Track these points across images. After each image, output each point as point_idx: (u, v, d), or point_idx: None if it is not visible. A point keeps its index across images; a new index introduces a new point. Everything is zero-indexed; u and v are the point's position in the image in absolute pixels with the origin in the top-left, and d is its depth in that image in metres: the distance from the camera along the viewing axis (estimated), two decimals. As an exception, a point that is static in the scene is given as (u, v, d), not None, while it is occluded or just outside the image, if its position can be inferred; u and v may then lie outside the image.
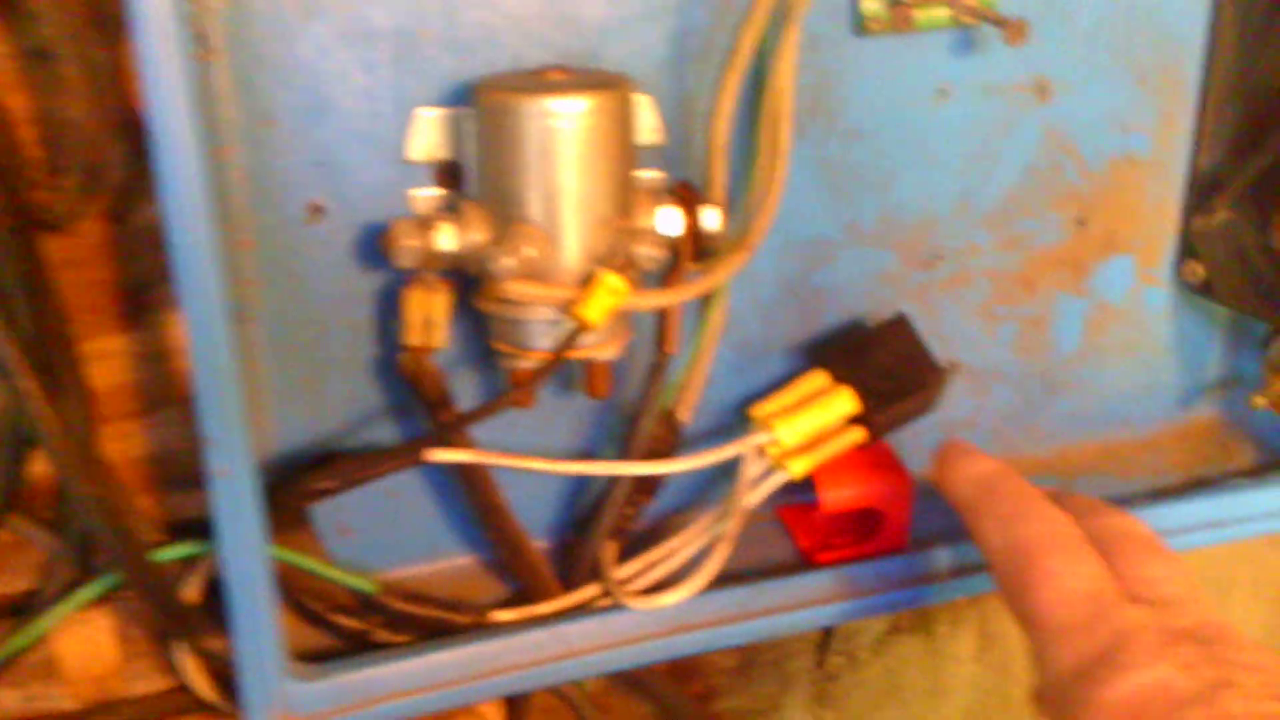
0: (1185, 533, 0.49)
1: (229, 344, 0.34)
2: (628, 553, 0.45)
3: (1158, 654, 0.30)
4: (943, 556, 0.46)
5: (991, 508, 0.37)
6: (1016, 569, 0.35)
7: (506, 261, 0.36)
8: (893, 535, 0.47)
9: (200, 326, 0.34)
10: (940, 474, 0.41)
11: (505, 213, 0.38)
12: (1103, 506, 0.38)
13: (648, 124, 0.41)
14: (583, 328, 0.37)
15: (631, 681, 0.50)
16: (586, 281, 0.38)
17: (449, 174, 0.40)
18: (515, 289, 0.37)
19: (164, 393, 0.40)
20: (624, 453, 0.44)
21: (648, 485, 0.45)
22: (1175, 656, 0.30)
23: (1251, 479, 0.51)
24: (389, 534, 0.44)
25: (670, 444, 0.45)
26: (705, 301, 0.44)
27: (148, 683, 0.43)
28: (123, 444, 0.40)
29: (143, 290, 0.39)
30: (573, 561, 0.45)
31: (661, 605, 0.43)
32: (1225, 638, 0.31)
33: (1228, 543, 0.52)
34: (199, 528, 0.39)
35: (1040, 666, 0.33)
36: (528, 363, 0.39)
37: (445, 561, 0.46)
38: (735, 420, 0.48)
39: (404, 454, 0.39)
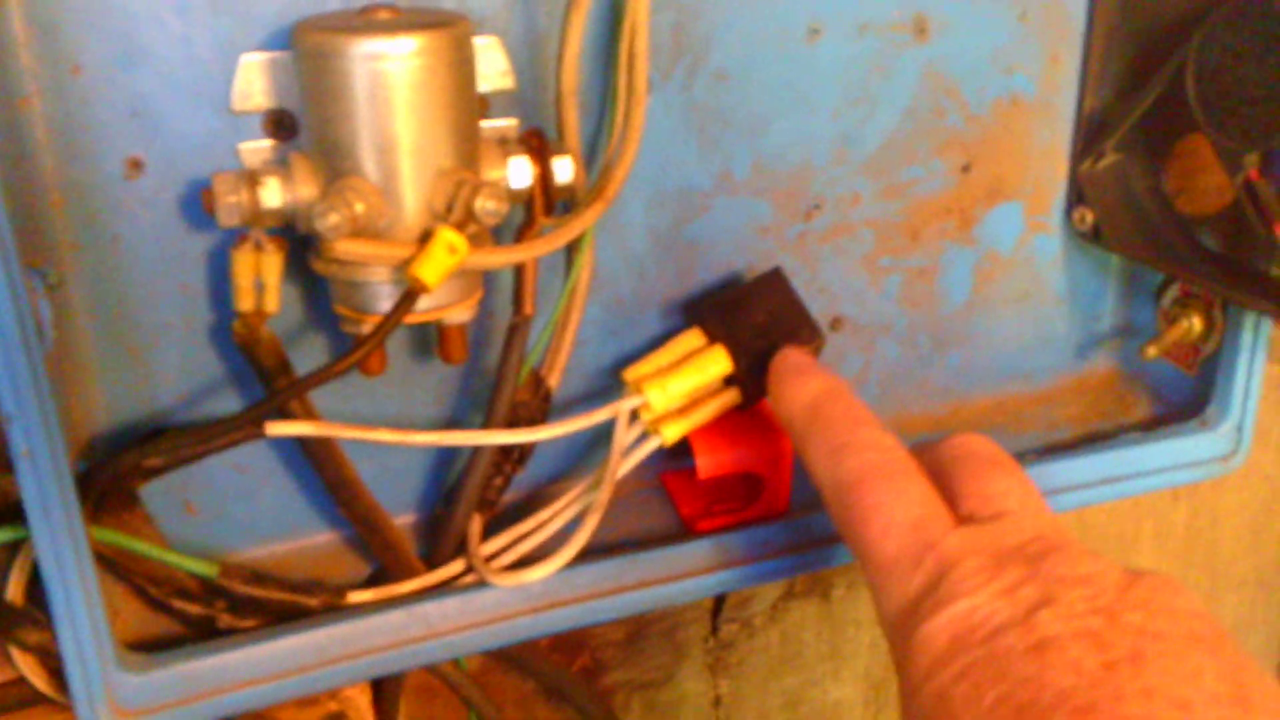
0: (1080, 489, 0.48)
1: (21, 313, 0.31)
2: (498, 527, 0.43)
3: (979, 582, 0.29)
4: (825, 521, 0.45)
5: (818, 438, 0.35)
6: (845, 504, 0.33)
7: (332, 218, 0.34)
8: (774, 500, 0.45)
9: (-12, 294, 0.31)
10: (771, 396, 0.39)
11: (335, 165, 0.35)
12: (951, 435, 0.36)
13: (495, 68, 0.39)
14: (419, 289, 0.35)
15: (510, 659, 0.49)
16: (425, 239, 0.35)
17: (280, 125, 0.37)
18: (345, 248, 0.34)
19: (-24, 368, 0.37)
20: (488, 422, 0.42)
21: (516, 455, 0.43)
22: (998, 581, 0.29)
23: (1146, 433, 0.50)
24: (240, 512, 0.42)
25: (539, 410, 0.43)
26: (570, 258, 0.42)
27: (-17, 676, 0.40)
28: (-70, 424, 0.37)
29: (-57, 257, 0.36)
30: (438, 537, 0.43)
31: (528, 581, 0.41)
32: (1057, 551, 0.30)
33: (1125, 498, 0.51)
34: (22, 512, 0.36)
35: (876, 606, 0.32)
36: (369, 327, 0.37)
37: (305, 540, 0.43)
38: (610, 384, 0.46)
39: (238, 427, 0.36)
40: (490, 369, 0.43)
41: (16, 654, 0.38)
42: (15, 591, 0.37)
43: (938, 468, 0.34)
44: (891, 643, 0.31)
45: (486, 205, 0.35)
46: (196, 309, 0.39)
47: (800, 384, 0.38)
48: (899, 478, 0.33)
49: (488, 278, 0.40)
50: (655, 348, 0.43)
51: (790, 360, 0.40)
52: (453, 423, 0.44)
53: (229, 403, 0.40)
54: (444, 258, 0.35)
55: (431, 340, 0.42)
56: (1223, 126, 0.43)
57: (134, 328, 0.38)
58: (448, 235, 0.35)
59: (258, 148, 0.37)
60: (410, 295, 0.35)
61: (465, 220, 0.35)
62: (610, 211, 0.41)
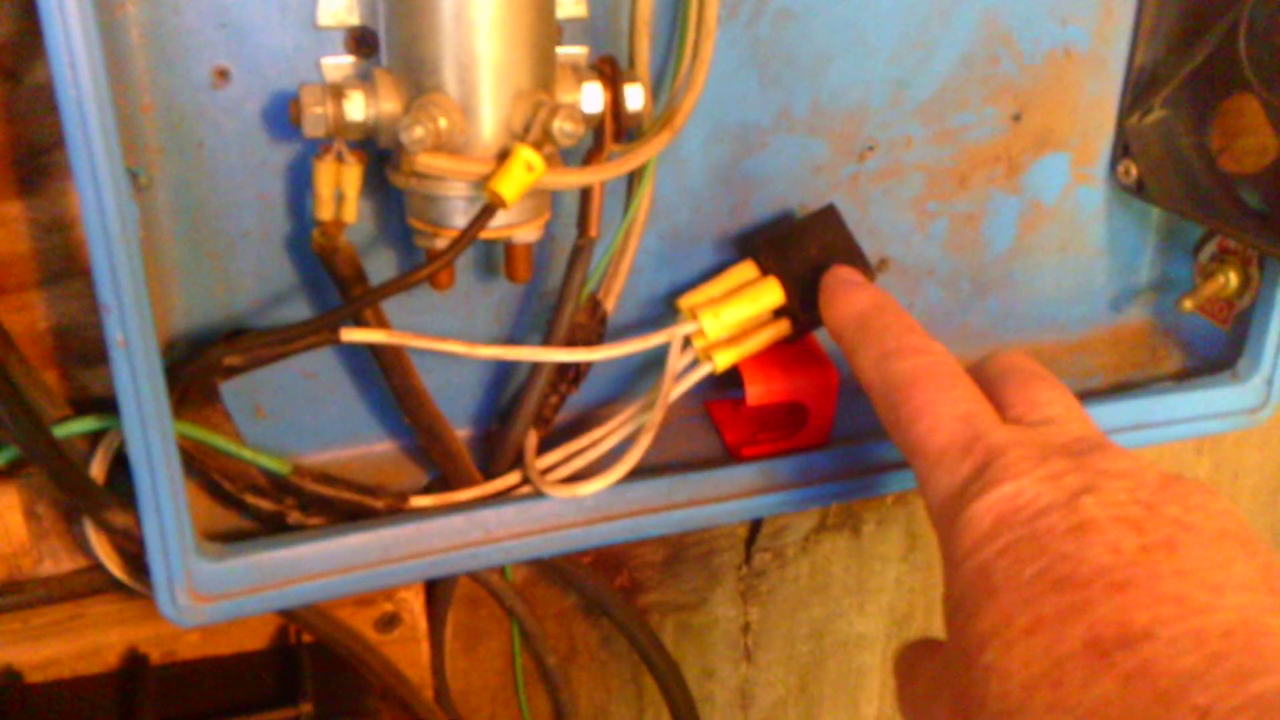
0: (1111, 434, 0.48)
1: (123, 207, 0.33)
2: (552, 444, 0.45)
3: (1026, 468, 0.31)
4: (866, 452, 0.46)
5: (869, 344, 0.37)
6: (894, 404, 0.34)
7: (417, 131, 0.35)
8: (817, 430, 0.46)
9: (91, 188, 0.32)
10: (822, 309, 0.41)
11: (418, 82, 0.36)
12: (996, 352, 0.38)
13: (571, -4, 0.40)
14: (497, 204, 0.36)
15: (556, 572, 0.51)
16: (502, 157, 0.37)
17: (362, 41, 0.39)
18: (426, 162, 0.36)
19: (66, 264, 0.39)
20: (547, 341, 0.43)
21: (572, 375, 0.45)
22: (1043, 469, 0.30)
23: (1177, 383, 0.51)
24: (306, 417, 0.44)
25: (595, 333, 0.44)
26: (631, 186, 0.43)
27: (57, 562, 0.42)
28: (22, 315, 0.39)
29: (40, 154, 0.37)
30: (494, 450, 0.45)
31: (581, 494, 0.42)
32: (1100, 449, 0.32)
33: (1152, 446, 0.52)
34: (108, 405, 0.38)
35: (925, 497, 0.33)
36: (443, 241, 0.38)
37: (365, 447, 0.45)
38: (663, 313, 0.47)
39: (315, 332, 0.38)
40: (549, 292, 0.44)
41: (96, 539, 0.40)
42: (97, 477, 0.39)
43: (983, 380, 0.36)
44: (938, 527, 0.32)
45: (564, 126, 0.37)
46: (274, 218, 0.40)
47: (852, 295, 0.39)
48: (947, 379, 0.34)
49: (552, 207, 0.41)
50: (708, 279, 0.44)
51: (842, 274, 0.41)
52: (512, 342, 0.46)
53: (302, 311, 0.42)
54: (522, 175, 0.36)
55: (496, 260, 0.43)
56: (1273, 85, 0.44)
57: (215, 234, 0.40)
58: (526, 153, 0.36)
59: (339, 63, 0.39)
60: (488, 210, 0.36)
61: (542, 140, 0.37)
62: (670, 145, 0.43)
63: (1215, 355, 0.52)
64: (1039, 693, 0.27)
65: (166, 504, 0.36)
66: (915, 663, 0.35)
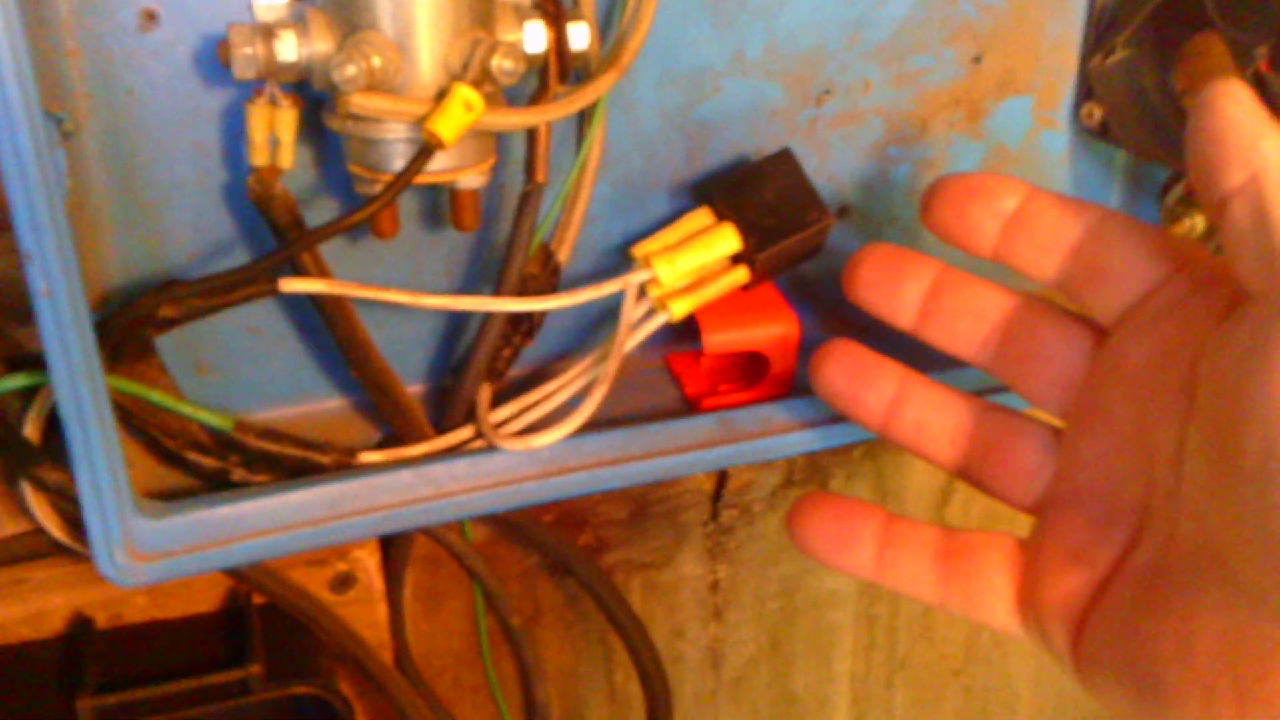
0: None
1: (40, 151, 0.31)
2: (506, 398, 0.44)
3: None
4: (828, 401, 0.46)
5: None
6: None
7: (349, 69, 0.34)
8: (778, 380, 0.46)
9: (6, 130, 0.31)
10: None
11: (351, 20, 0.35)
12: None
13: (511, -69, 0.39)
14: (435, 144, 0.35)
15: (517, 531, 0.50)
16: (441, 97, 0.35)
17: (295, -18, 0.37)
18: (360, 102, 0.35)
19: (-7, 217, 0.38)
20: (498, 291, 0.42)
21: (525, 327, 0.44)
22: None
23: (1144, 328, 0.51)
24: (251, 374, 0.43)
25: (548, 283, 0.43)
26: (580, 131, 0.42)
27: (-3, 527, 0.41)
28: (-52, 271, 0.38)
29: (-39, 103, 0.36)
30: (447, 405, 0.44)
31: (535, 446, 0.42)
32: None
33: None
34: (40, 363, 0.37)
35: None
36: (383, 187, 0.37)
37: (314, 404, 0.44)
38: (618, 263, 0.47)
39: (253, 280, 0.37)
40: (500, 242, 0.43)
41: (34, 500, 0.39)
42: (31, 435, 0.38)
43: None
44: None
45: (504, 64, 0.35)
46: (209, 167, 0.39)
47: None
48: None
49: (499, 152, 0.40)
50: (663, 227, 0.43)
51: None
52: (462, 294, 0.45)
53: (240, 263, 0.40)
54: (460, 114, 0.35)
55: (443, 210, 0.42)
56: (1234, 18, 0.43)
57: (147, 183, 0.38)
58: (464, 92, 0.35)
59: (271, 4, 0.37)
60: (426, 150, 0.35)
61: (481, 79, 0.36)
62: (621, 89, 0.42)
63: (1182, 300, 0.51)
64: None
65: (100, 459, 0.35)
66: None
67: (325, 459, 0.41)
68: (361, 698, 0.47)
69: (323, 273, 0.39)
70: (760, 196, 0.43)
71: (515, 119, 0.38)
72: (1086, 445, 0.34)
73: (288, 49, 0.35)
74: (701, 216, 0.43)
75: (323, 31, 0.35)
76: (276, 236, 0.38)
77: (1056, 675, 0.60)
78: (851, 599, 0.60)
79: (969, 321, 0.37)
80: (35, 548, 0.42)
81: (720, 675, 0.59)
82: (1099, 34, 0.48)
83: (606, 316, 0.47)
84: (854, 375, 0.38)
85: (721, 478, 0.54)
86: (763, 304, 0.45)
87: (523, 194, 0.41)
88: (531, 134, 0.40)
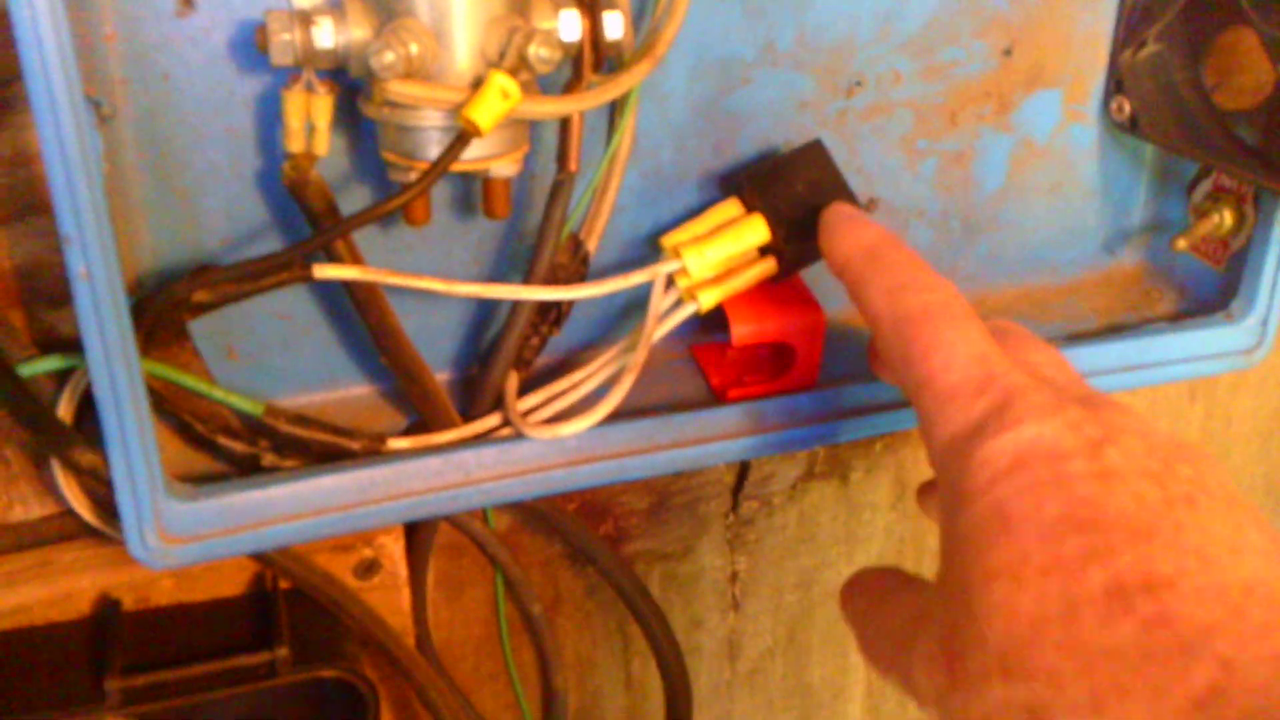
0: (1104, 374, 0.49)
1: (83, 134, 0.31)
2: (533, 386, 0.44)
3: (1047, 412, 0.30)
4: (854, 394, 0.46)
5: (878, 277, 0.36)
6: (906, 338, 0.33)
7: (388, 56, 0.34)
8: (804, 372, 0.46)
9: (50, 114, 0.31)
10: (824, 242, 0.39)
11: (388, 7, 0.35)
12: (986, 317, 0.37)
13: (547, -80, 0.39)
14: (472, 132, 0.35)
15: (540, 520, 0.50)
16: (477, 85, 0.35)
17: (332, -32, 0.37)
18: (398, 89, 0.35)
19: (30, 200, 0.38)
20: (528, 280, 0.42)
21: (553, 315, 0.44)
22: (1063, 415, 0.30)
23: (1170, 324, 0.51)
24: (281, 360, 0.43)
25: (577, 272, 0.43)
26: (612, 121, 0.42)
27: (27, 509, 0.41)
28: (-17, 253, 0.38)
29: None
30: (475, 393, 0.44)
31: (562, 435, 0.42)
32: (1109, 405, 0.31)
33: (1146, 388, 0.52)
34: (75, 345, 0.37)
35: (930, 432, 0.32)
36: (418, 174, 0.37)
37: (343, 391, 0.44)
38: (647, 253, 0.46)
39: (286, 266, 0.37)
40: (530, 231, 0.43)
41: (64, 482, 0.39)
42: (65, 417, 0.38)
43: None
44: (943, 463, 0.32)
45: (540, 52, 0.35)
46: (244, 152, 0.39)
47: (857, 229, 0.38)
48: (962, 316, 0.33)
49: (531, 141, 0.40)
50: (692, 218, 0.43)
51: (844, 210, 0.40)
52: (492, 282, 0.45)
53: (274, 249, 0.40)
54: (497, 102, 0.35)
55: (475, 198, 0.42)
56: (1270, 16, 0.43)
57: (182, 169, 0.38)
58: (501, 80, 0.35)
59: (309, -10, 0.37)
60: (463, 138, 0.35)
61: (517, 67, 0.36)
62: (652, 80, 0.42)
63: (1209, 296, 0.51)
64: (1049, 632, 0.27)
65: (134, 442, 0.35)
66: (885, 595, 0.35)
67: (355, 445, 0.41)
68: (384, 682, 0.47)
69: (356, 260, 0.39)
70: (790, 188, 0.43)
71: (550, 107, 0.37)
72: None
73: (325, 35, 0.35)
74: (730, 207, 0.43)
75: (360, 18, 0.35)
76: (311, 222, 0.38)
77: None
78: (870, 591, 0.60)
79: None
80: (63, 530, 0.42)
81: (737, 666, 0.60)
82: (1130, 28, 0.48)
83: (634, 305, 0.47)
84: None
85: (743, 469, 0.54)
86: (789, 295, 0.45)
87: (554, 183, 0.41)
88: (564, 123, 0.40)
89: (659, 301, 0.42)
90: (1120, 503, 0.28)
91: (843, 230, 0.39)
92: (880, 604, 0.35)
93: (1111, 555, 0.27)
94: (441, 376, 0.45)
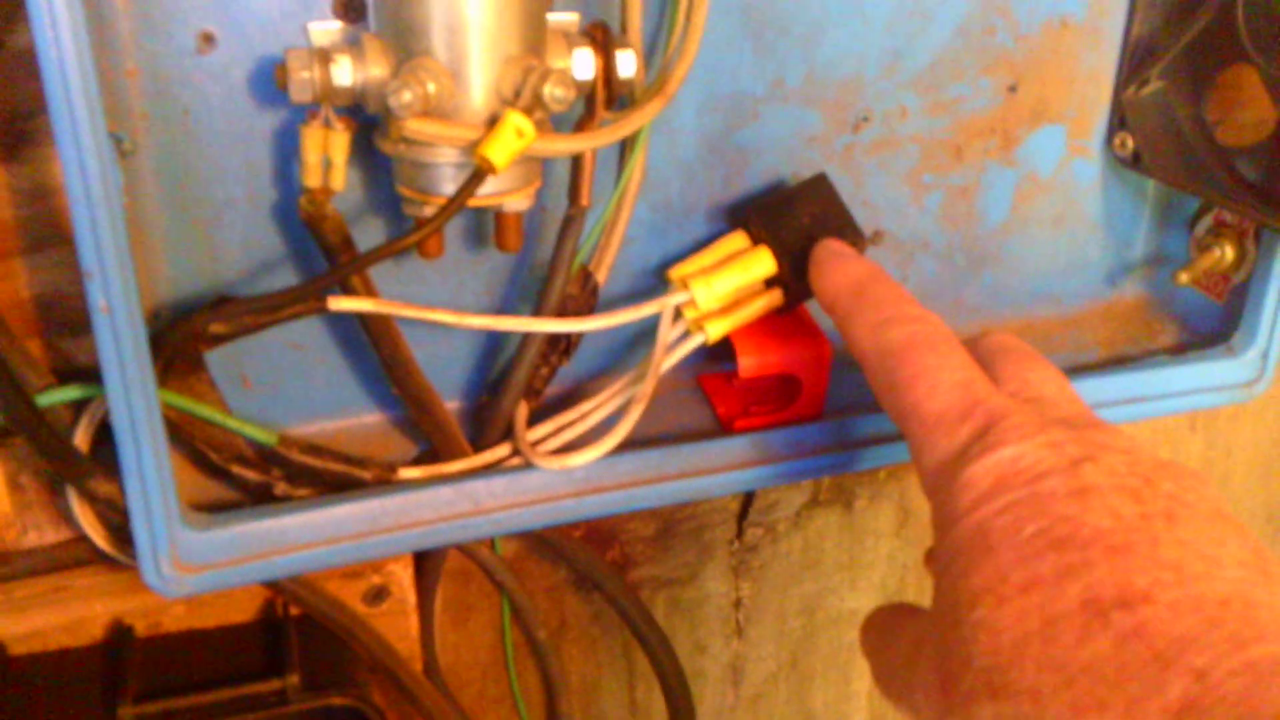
0: (1106, 407, 0.49)
1: (105, 170, 0.32)
2: (542, 417, 0.44)
3: (1027, 433, 0.31)
4: (859, 425, 0.46)
5: (864, 313, 0.37)
6: (890, 369, 0.34)
7: (405, 95, 0.34)
8: (810, 403, 0.46)
9: (73, 150, 0.32)
10: (814, 279, 0.40)
11: (406, 47, 0.36)
12: (986, 332, 0.38)
13: (562, -40, 0.39)
14: (486, 169, 0.36)
15: (546, 546, 0.50)
16: (492, 123, 0.36)
17: (350, 6, 0.38)
18: (415, 127, 0.35)
19: (50, 231, 0.38)
20: (538, 312, 0.43)
21: (563, 346, 0.44)
22: (1044, 436, 0.30)
23: (1171, 356, 0.51)
24: (294, 389, 0.43)
25: (586, 304, 0.44)
26: (623, 156, 0.43)
27: (41, 534, 0.42)
28: (6, 284, 0.38)
29: (22, 120, 0.37)
30: (484, 422, 0.44)
31: (571, 465, 0.42)
32: (1095, 425, 0.32)
33: (1148, 420, 0.52)
34: (92, 374, 0.37)
35: (919, 460, 0.33)
36: (432, 209, 0.38)
37: (355, 419, 0.45)
38: (655, 285, 0.47)
39: (302, 299, 0.38)
40: (540, 263, 0.44)
41: (79, 510, 0.39)
42: (81, 446, 0.38)
43: (977, 357, 0.35)
44: (932, 490, 0.32)
45: (555, 92, 0.36)
46: (261, 186, 0.40)
47: (844, 265, 0.39)
48: (945, 346, 0.34)
49: (542, 176, 0.40)
50: (700, 250, 0.44)
51: (833, 246, 0.41)
52: (502, 313, 0.45)
53: (289, 281, 0.41)
54: (512, 140, 0.35)
55: (486, 230, 0.43)
56: (1271, 55, 0.44)
57: (200, 201, 0.39)
58: (516, 119, 0.35)
59: (327, 28, 0.38)
60: (478, 175, 0.36)
61: (532, 106, 0.36)
62: (663, 115, 0.42)
63: (1210, 329, 0.52)
64: (1030, 649, 0.27)
65: (150, 471, 0.36)
66: (892, 627, 0.35)
67: (366, 474, 0.41)
68: (393, 708, 0.48)
69: (370, 292, 0.40)
70: (796, 221, 0.43)
71: (564, 145, 0.38)
72: None
73: (343, 73, 0.36)
74: (737, 239, 0.44)
75: (378, 57, 0.36)
76: (326, 256, 0.39)
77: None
78: (873, 618, 0.60)
79: None
80: (77, 556, 0.42)
81: (740, 691, 0.60)
82: (1133, 65, 0.49)
83: (643, 336, 0.48)
84: None
85: (748, 497, 0.54)
86: (795, 327, 0.46)
87: (566, 217, 0.41)
88: (576, 159, 0.40)
89: (667, 332, 0.43)
90: (1096, 519, 0.28)
91: (830, 266, 0.39)
92: (887, 636, 0.35)
93: (1088, 570, 0.27)
94: (452, 405, 0.45)
